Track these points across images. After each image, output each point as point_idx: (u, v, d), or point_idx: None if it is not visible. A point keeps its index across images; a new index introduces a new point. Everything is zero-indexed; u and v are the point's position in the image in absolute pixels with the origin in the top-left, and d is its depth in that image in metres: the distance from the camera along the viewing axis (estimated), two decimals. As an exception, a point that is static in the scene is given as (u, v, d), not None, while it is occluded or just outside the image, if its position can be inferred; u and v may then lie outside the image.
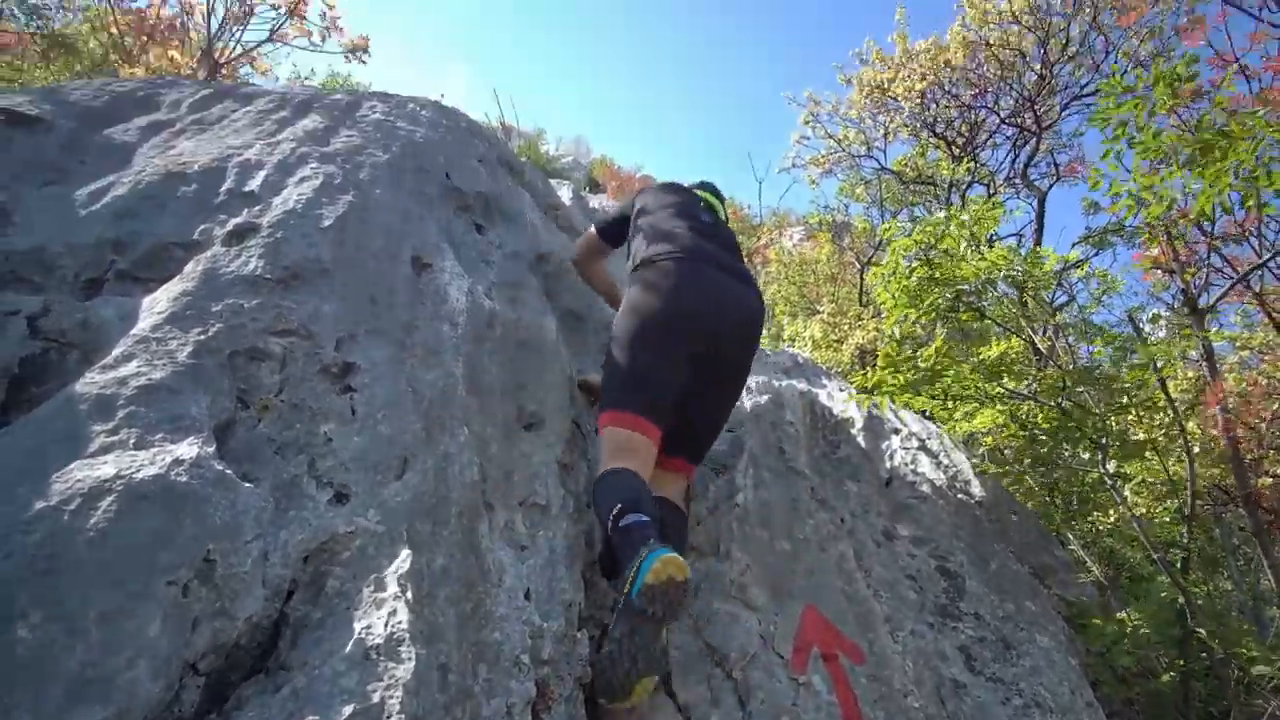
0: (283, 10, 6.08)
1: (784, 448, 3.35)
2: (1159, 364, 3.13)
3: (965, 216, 3.97)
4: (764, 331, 3.37)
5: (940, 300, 3.65)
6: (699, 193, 3.31)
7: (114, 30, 6.52)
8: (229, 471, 1.75)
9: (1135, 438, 3.89)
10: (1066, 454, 4.28)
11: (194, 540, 1.54)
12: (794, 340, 9.67)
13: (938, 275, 3.64)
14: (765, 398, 3.68)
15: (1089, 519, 4.96)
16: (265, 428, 2.09)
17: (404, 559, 1.85)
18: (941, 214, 3.80)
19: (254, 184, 2.81)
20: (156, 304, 2.24)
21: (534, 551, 2.38)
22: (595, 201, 13.56)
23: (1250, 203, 3.18)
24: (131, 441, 1.70)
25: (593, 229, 3.62)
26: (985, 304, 4.05)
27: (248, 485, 1.77)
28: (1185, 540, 4.04)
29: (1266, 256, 3.78)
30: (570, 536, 2.58)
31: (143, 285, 2.43)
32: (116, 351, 1.98)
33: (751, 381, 4.41)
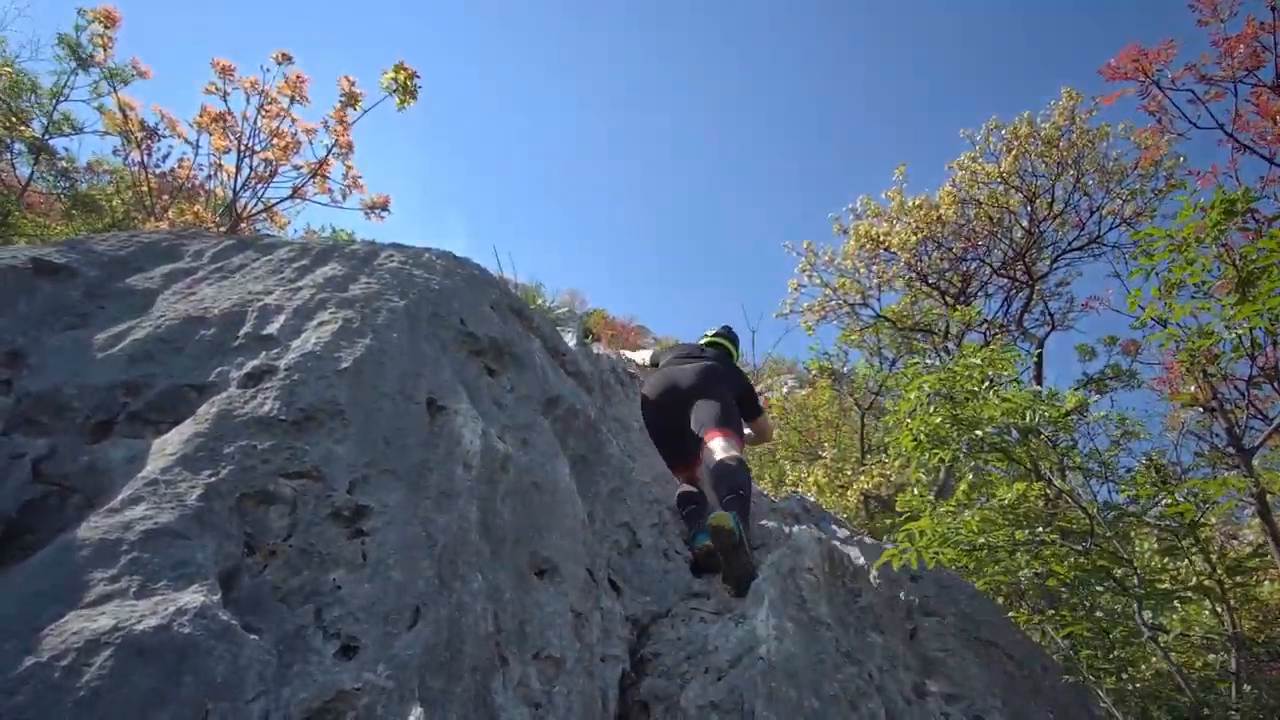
0: (305, 171, 6.46)
1: (804, 596, 3.20)
2: (1204, 504, 3.05)
3: (980, 360, 4.01)
4: (728, 391, 4.57)
5: (963, 442, 3.61)
6: (708, 332, 5.05)
7: (145, 188, 6.84)
8: (234, 622, 1.64)
9: (1168, 586, 3.74)
10: (1090, 604, 4.10)
11: (192, 700, 1.42)
12: (797, 485, 9.54)
13: (960, 415, 3.63)
14: (783, 545, 3.56)
15: (1121, 675, 4.67)
16: (271, 574, 1.99)
17: (414, 719, 1.70)
18: (972, 358, 3.82)
19: (273, 328, 2.83)
20: (168, 445, 2.19)
21: (549, 710, 2.21)
22: (595, 349, 13.78)
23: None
24: (133, 590, 1.60)
25: (648, 358, 5.84)
26: (1009, 446, 4.01)
27: (253, 637, 1.66)
28: (1234, 699, 3.80)
29: None
30: (587, 694, 2.41)
31: (154, 428, 2.39)
32: (124, 494, 1.91)
33: (768, 528, 4.28)
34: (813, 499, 7.46)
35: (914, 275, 8.98)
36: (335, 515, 2.21)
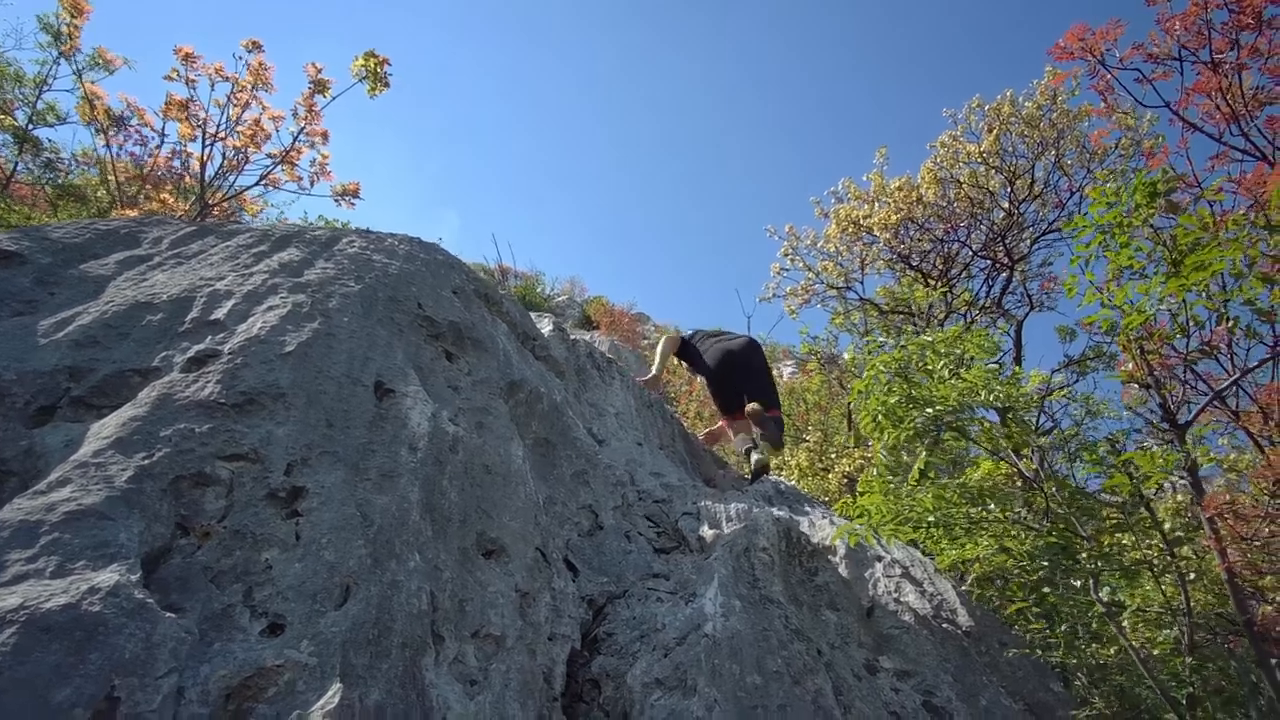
0: (275, 158, 6.42)
1: (757, 575, 3.23)
2: (1140, 475, 3.07)
3: (937, 338, 4.03)
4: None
5: (919, 420, 3.63)
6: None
7: (111, 178, 6.82)
8: (150, 600, 1.66)
9: (1128, 562, 3.77)
10: (1058, 581, 4.14)
11: (98, 676, 1.45)
12: (780, 469, 9.57)
13: (916, 394, 3.65)
14: (738, 525, 3.60)
15: (1088, 651, 4.70)
16: (204, 555, 2.02)
17: (333, 694, 1.73)
18: (926, 336, 3.84)
19: (220, 312, 2.84)
20: (105, 429, 2.21)
21: (484, 687, 2.24)
22: (588, 336, 13.83)
23: (1225, 320, 3.24)
24: (50, 570, 1.63)
25: (681, 335, 7.00)
26: (969, 426, 4.03)
27: (169, 615, 1.68)
28: (1187, 674, 3.84)
29: (1237, 374, 3.78)
30: (527, 671, 2.44)
31: (96, 412, 2.41)
32: (52, 476, 1.93)
33: (730, 510, 4.31)
34: (792, 482, 7.49)
35: (895, 257, 8.98)
36: (271, 496, 2.23)
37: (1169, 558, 3.54)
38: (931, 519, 3.42)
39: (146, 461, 2.09)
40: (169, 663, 1.58)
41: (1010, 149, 8.21)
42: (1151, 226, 3.03)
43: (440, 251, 4.47)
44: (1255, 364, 3.53)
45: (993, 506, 3.50)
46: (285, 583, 2.00)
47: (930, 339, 3.78)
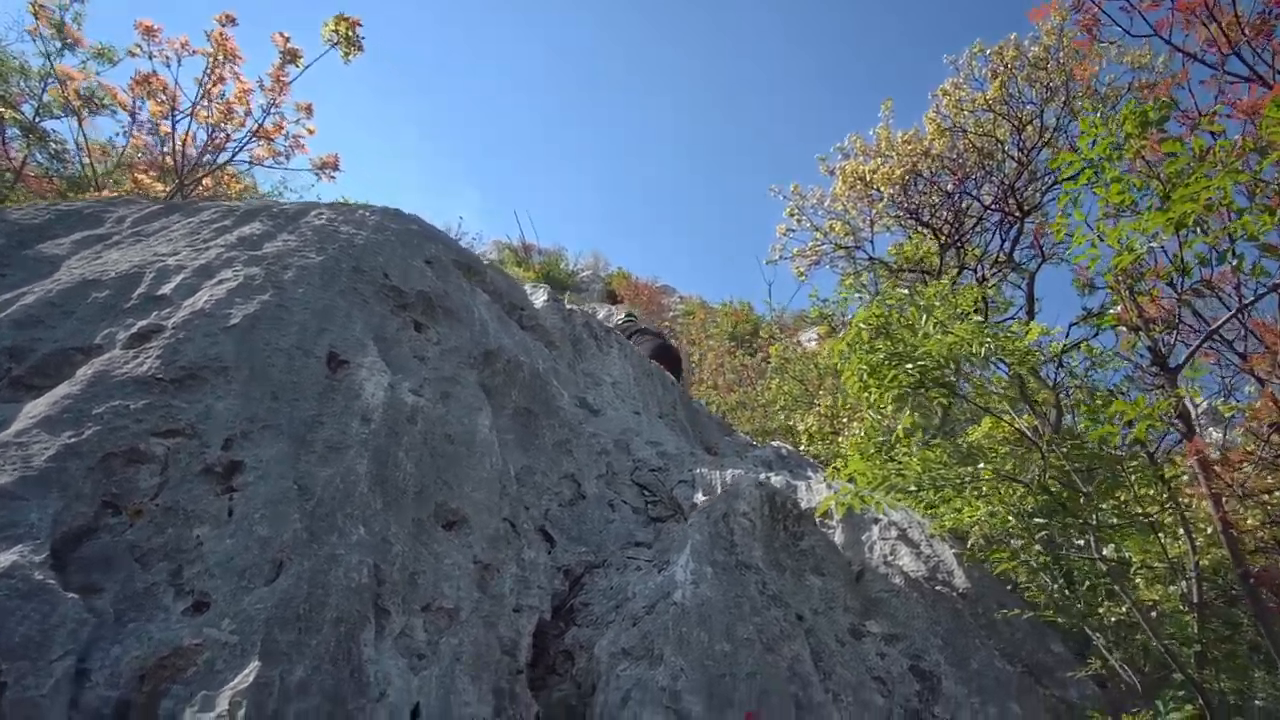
0: (255, 134, 6.34)
1: (735, 540, 3.14)
2: (1131, 422, 2.90)
3: (927, 293, 3.86)
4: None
5: (903, 377, 3.50)
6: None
7: (87, 160, 6.81)
8: (51, 581, 1.60)
9: (1129, 518, 3.62)
10: (1059, 540, 4.00)
11: (-19, 658, 1.39)
12: (791, 434, 9.43)
13: (900, 350, 3.50)
14: (717, 490, 3.50)
15: (1105, 611, 4.53)
16: (133, 534, 1.96)
17: (249, 673, 1.67)
18: (903, 290, 3.68)
19: (167, 288, 2.78)
20: (36, 408, 2.16)
21: (432, 661, 2.18)
22: (603, 312, 13.74)
23: (1230, 256, 3.04)
24: (-52, 551, 1.57)
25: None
26: (960, 382, 3.87)
27: (72, 596, 1.62)
28: (1195, 631, 3.69)
29: (1231, 311, 3.53)
30: (482, 644, 2.37)
31: (35, 392, 2.35)
32: (-32, 457, 1.88)
33: (726, 476, 4.20)
34: (791, 448, 7.35)
35: (904, 213, 8.71)
36: (207, 472, 2.17)
37: (1172, 510, 3.38)
38: (914, 485, 3.29)
39: (74, 440, 2.03)
40: (65, 645, 1.52)
41: (1017, 94, 7.90)
42: (1144, 160, 2.84)
43: (416, 222, 4.38)
44: (1252, 299, 3.30)
45: (983, 466, 3.36)
46: (214, 559, 1.94)
47: (907, 292, 3.62)
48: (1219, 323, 3.28)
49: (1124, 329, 3.58)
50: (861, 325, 3.59)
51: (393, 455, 2.62)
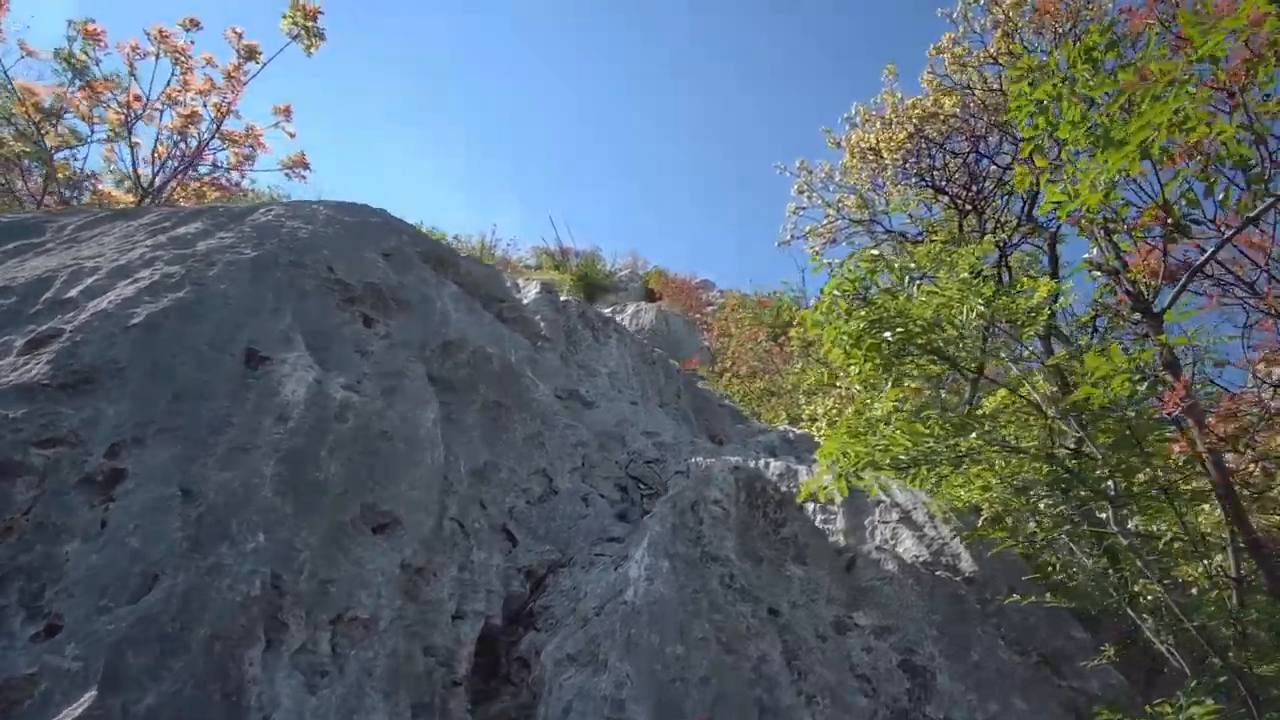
0: (213, 137, 6.27)
1: (703, 531, 2.89)
2: (1104, 380, 2.59)
3: (919, 252, 3.59)
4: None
5: (884, 346, 3.22)
6: None
7: (53, 173, 6.78)
8: None
9: (1141, 486, 3.30)
10: (1075, 516, 3.67)
11: None
12: (811, 419, 9.10)
13: (882, 317, 3.23)
14: (688, 478, 3.25)
15: (1133, 589, 4.15)
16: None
17: (83, 703, 1.48)
18: (874, 250, 3.41)
19: (75, 290, 2.63)
20: (-93, 423, 2.01)
21: (337, 678, 1.98)
22: (631, 308, 13.52)
23: (1219, 194, 2.72)
24: None
25: None
26: (951, 346, 3.57)
27: (-122, 624, 1.46)
28: (1234, 609, 3.34)
29: (1216, 245, 3.13)
30: (402, 656, 2.17)
31: (-77, 406, 2.22)
32: None
33: (723, 463, 3.95)
34: (822, 431, 7.03)
35: (912, 179, 8.33)
36: (87, 481, 2.00)
37: (1200, 476, 3.06)
38: (904, 458, 3.01)
39: (-66, 453, 1.87)
40: None
41: (1023, 45, 7.48)
42: (1092, 98, 2.53)
43: (376, 214, 4.21)
44: (1236, 228, 2.93)
45: (973, 435, 3.06)
46: (75, 577, 1.77)
47: (874, 251, 3.34)
48: (1205, 258, 2.91)
49: (1099, 274, 3.26)
50: (836, 293, 3.31)
51: (312, 455, 2.43)
